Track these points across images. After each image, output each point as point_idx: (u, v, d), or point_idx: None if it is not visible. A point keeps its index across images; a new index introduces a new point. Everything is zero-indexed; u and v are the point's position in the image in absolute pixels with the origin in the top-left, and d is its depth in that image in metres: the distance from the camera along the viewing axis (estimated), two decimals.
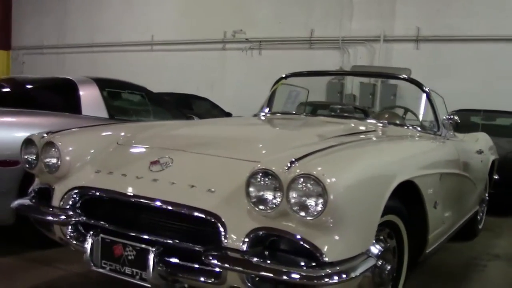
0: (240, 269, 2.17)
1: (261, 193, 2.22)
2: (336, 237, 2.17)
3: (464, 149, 4.25)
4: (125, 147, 2.97)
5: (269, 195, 2.21)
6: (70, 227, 2.70)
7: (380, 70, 4.74)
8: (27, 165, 2.95)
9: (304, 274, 2.08)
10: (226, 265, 2.19)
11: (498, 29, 11.17)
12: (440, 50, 12.06)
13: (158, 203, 2.42)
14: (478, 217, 5.35)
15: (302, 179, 2.13)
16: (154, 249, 2.34)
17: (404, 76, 4.37)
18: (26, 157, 2.96)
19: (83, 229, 2.70)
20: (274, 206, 2.18)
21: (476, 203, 4.92)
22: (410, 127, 3.83)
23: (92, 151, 2.91)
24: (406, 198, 2.74)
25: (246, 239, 2.21)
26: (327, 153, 2.40)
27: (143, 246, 2.39)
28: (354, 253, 2.21)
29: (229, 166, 2.57)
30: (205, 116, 6.80)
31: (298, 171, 2.13)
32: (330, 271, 2.08)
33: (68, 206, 2.70)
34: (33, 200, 2.91)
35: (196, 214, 2.33)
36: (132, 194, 2.50)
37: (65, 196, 2.72)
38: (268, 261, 2.15)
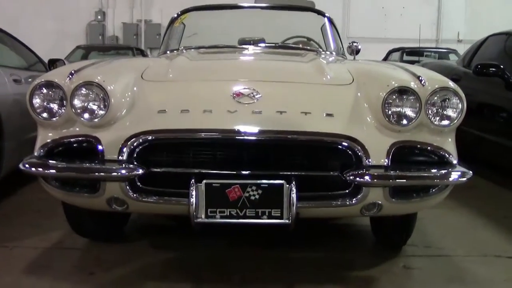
0: (390, 181, 2.24)
1: (399, 109, 2.31)
2: (450, 140, 2.41)
3: None
4: (169, 83, 2.56)
5: (408, 111, 2.31)
6: (127, 183, 2.26)
7: (286, 3, 4.84)
8: (47, 115, 2.33)
9: (457, 175, 2.28)
10: (378, 181, 2.22)
11: None
12: None
13: (289, 136, 2.22)
14: None
15: (439, 91, 2.31)
16: (292, 183, 2.17)
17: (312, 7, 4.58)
18: (44, 104, 2.33)
19: (141, 184, 2.28)
20: (414, 120, 2.28)
21: None
22: (333, 53, 4.07)
23: (135, 89, 2.43)
24: None
25: (386, 155, 2.26)
26: (416, 70, 2.54)
27: (274, 182, 2.19)
28: None
29: (320, 91, 2.52)
30: None
31: (436, 86, 2.31)
32: (465, 170, 2.32)
33: (125, 158, 2.25)
34: (55, 157, 2.33)
35: (331, 139, 2.23)
36: (245, 131, 2.19)
37: (125, 146, 2.24)
38: (413, 171, 2.30)
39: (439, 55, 11.17)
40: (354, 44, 4.33)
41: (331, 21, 4.35)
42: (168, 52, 3.94)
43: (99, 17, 13.30)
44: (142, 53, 11.03)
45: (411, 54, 10.54)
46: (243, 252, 2.90)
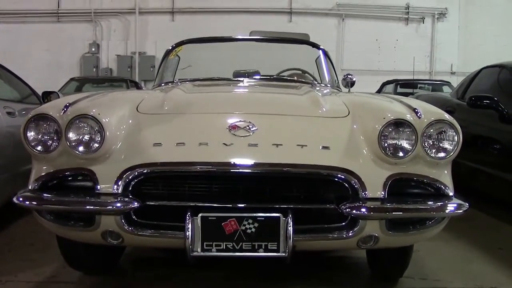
0: (387, 214, 2.25)
1: (395, 142, 2.31)
2: (446, 172, 2.41)
3: None
4: (164, 116, 2.56)
5: (404, 143, 2.31)
6: (122, 217, 2.25)
7: (281, 35, 4.91)
8: (41, 148, 2.31)
9: (453, 207, 2.28)
10: (374, 213, 2.21)
11: (241, 2, 12.23)
12: (194, 22, 12.54)
13: (285, 169, 2.21)
14: None
15: (435, 124, 2.32)
16: (289, 216, 2.17)
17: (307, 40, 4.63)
18: (38, 137, 2.31)
19: (136, 217, 2.27)
20: (410, 152, 2.28)
21: None
22: (328, 85, 4.10)
23: (130, 122, 2.43)
24: None
25: (382, 188, 2.26)
26: (411, 102, 2.55)
27: (270, 215, 2.19)
28: None
29: (316, 123, 2.53)
30: None
31: (432, 118, 2.32)
32: (461, 203, 2.32)
33: (120, 191, 2.24)
34: (50, 191, 2.31)
35: (327, 172, 2.23)
36: (241, 164, 2.19)
37: (120, 179, 2.23)
38: (410, 203, 2.30)
39: (433, 87, 11.32)
40: (349, 76, 4.35)
41: (325, 54, 4.40)
42: (163, 84, 3.96)
43: (93, 49, 13.43)
44: (136, 86, 11.10)
45: (405, 86, 10.69)
46: (239, 285, 2.87)
